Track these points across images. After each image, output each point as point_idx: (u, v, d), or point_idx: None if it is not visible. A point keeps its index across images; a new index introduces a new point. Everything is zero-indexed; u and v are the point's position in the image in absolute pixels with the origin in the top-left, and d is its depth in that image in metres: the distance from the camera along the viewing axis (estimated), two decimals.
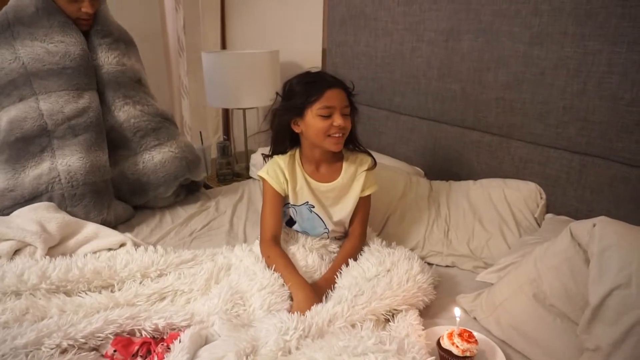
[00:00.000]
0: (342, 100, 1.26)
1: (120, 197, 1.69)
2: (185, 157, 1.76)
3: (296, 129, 1.32)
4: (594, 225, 0.96)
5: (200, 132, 2.59)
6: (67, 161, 1.51)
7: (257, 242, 1.42)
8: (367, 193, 1.38)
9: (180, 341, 0.88)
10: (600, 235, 0.94)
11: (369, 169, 1.38)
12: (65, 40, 1.55)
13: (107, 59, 1.65)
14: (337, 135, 1.26)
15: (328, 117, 1.25)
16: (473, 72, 1.66)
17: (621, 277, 0.88)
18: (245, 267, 1.26)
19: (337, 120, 1.24)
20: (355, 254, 1.32)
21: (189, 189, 1.89)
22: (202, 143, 2.50)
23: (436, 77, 1.78)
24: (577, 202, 1.47)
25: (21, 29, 1.53)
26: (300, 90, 1.27)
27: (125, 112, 1.67)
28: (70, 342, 0.89)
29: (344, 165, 1.37)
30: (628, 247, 0.90)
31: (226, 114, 2.91)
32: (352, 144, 1.38)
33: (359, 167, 1.38)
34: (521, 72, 1.52)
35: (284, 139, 1.37)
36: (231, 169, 2.45)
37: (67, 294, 1.10)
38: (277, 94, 1.35)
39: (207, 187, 2.15)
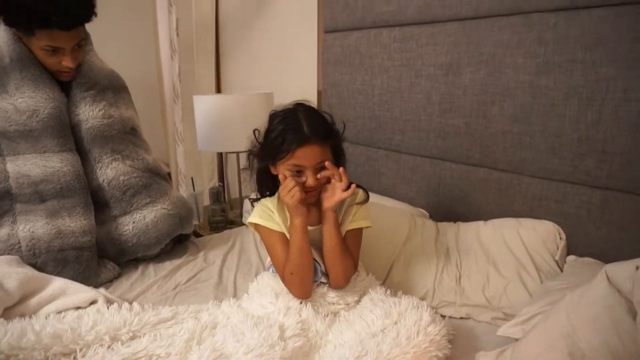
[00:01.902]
0: (316, 157, 1.16)
1: (104, 257, 1.54)
2: (178, 213, 1.64)
3: (274, 172, 1.23)
4: (638, 269, 0.82)
5: (192, 178, 2.48)
6: (30, 227, 1.36)
7: (247, 296, 1.28)
8: (355, 226, 1.26)
9: None
10: None
11: (360, 203, 1.27)
12: (35, 96, 1.40)
13: (92, 113, 1.50)
14: (308, 191, 1.18)
15: (299, 172, 1.17)
16: (477, 105, 1.56)
17: None
18: (232, 326, 1.10)
19: (308, 180, 1.17)
20: (347, 258, 1.22)
21: (177, 239, 1.75)
22: (194, 189, 2.38)
23: (437, 113, 1.69)
24: (602, 242, 1.33)
25: None
26: (272, 140, 1.18)
27: (113, 169, 1.53)
28: None
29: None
30: None
31: (220, 160, 2.82)
32: None
33: (349, 201, 1.28)
34: (528, 103, 1.42)
35: (268, 180, 1.28)
36: (225, 217, 2.31)
37: None
38: (254, 132, 1.26)
39: (198, 235, 2.01)
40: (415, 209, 1.76)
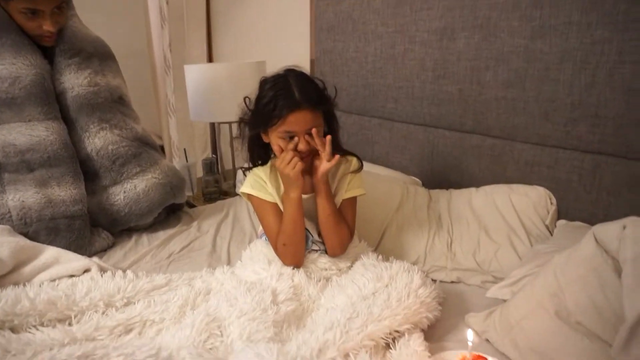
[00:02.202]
0: (308, 122, 1.14)
1: (98, 227, 1.53)
2: (169, 182, 1.62)
3: (266, 140, 1.21)
4: (625, 228, 0.82)
5: (185, 150, 2.46)
6: (20, 197, 1.35)
7: (240, 263, 1.29)
8: (351, 194, 1.27)
9: None
10: (633, 239, 0.80)
11: (354, 171, 1.26)
12: (16, 62, 1.36)
13: (77, 81, 1.47)
14: (300, 158, 1.16)
15: (291, 138, 1.15)
16: (470, 71, 1.54)
17: None
18: (226, 292, 1.11)
19: (300, 144, 1.15)
20: (343, 226, 1.23)
21: (170, 209, 1.75)
22: (187, 160, 2.37)
23: (431, 80, 1.67)
24: (592, 207, 1.34)
25: None
26: (263, 106, 1.16)
27: (101, 138, 1.50)
28: None
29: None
30: None
31: (213, 131, 2.79)
32: (335, 149, 1.26)
33: (343, 170, 1.28)
34: (523, 68, 1.41)
35: (259, 149, 1.27)
36: (218, 187, 2.31)
37: (14, 330, 0.94)
38: (244, 100, 1.24)
39: (191, 206, 2.01)
40: (408, 177, 1.76)
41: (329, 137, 1.16)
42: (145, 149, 1.61)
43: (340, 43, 1.99)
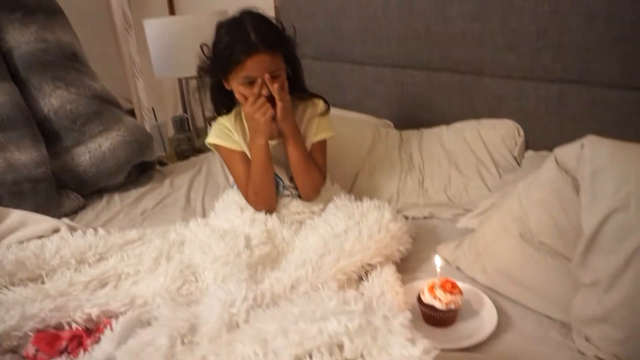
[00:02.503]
0: (267, 66, 1.09)
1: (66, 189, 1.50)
2: (135, 139, 1.58)
3: (228, 87, 1.18)
4: (582, 147, 0.84)
5: (153, 108, 2.39)
6: None
7: (214, 213, 1.28)
8: (320, 137, 1.25)
9: (112, 329, 0.73)
10: (590, 157, 0.82)
11: (321, 114, 1.25)
12: None
13: (23, 37, 1.39)
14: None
15: (251, 83, 1.10)
16: (435, 6, 1.51)
17: (618, 199, 0.77)
18: (200, 241, 1.12)
19: (263, 90, 1.10)
20: (314, 170, 1.22)
21: (141, 168, 1.72)
22: (156, 120, 2.32)
23: (397, 18, 1.63)
24: (557, 135, 1.36)
25: None
26: (220, 52, 1.11)
27: (58, 98, 1.44)
28: None
29: (295, 117, 1.23)
30: (623, 165, 0.78)
31: (182, 88, 2.71)
32: (300, 91, 1.24)
33: (310, 113, 1.26)
34: None
35: (223, 97, 1.23)
36: (191, 145, 2.27)
37: None
38: (201, 47, 1.19)
39: (163, 164, 1.98)
40: (380, 120, 1.75)
41: (277, 85, 1.10)
42: (107, 106, 1.56)
43: None
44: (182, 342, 0.62)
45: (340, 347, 0.61)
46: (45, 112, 1.44)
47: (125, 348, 0.60)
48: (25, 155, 1.35)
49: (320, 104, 1.27)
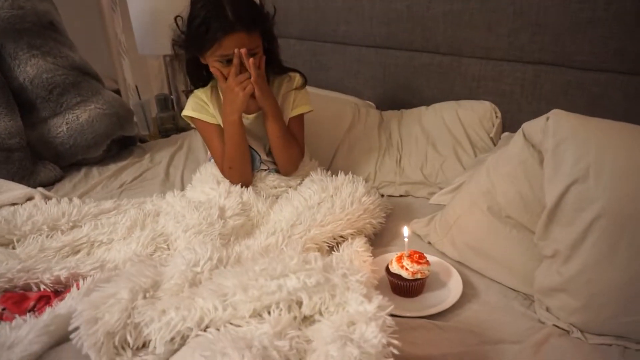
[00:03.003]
0: (244, 45, 1.07)
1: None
2: (115, 112, 1.56)
3: (203, 62, 1.16)
4: (547, 120, 0.86)
5: (136, 86, 2.37)
6: None
7: (191, 186, 1.29)
8: (298, 112, 1.25)
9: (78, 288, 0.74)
10: (554, 129, 0.83)
11: (298, 88, 1.24)
12: None
13: None
14: None
15: (229, 61, 1.09)
16: None
17: (577, 170, 0.79)
18: (175, 212, 1.12)
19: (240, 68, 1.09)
20: (293, 145, 1.23)
21: (121, 144, 1.71)
22: (139, 98, 2.30)
23: None
24: (533, 116, 1.32)
25: None
26: (195, 29, 1.08)
27: (34, 67, 1.42)
28: None
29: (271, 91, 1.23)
30: (584, 137, 0.80)
31: (166, 67, 2.69)
32: (277, 67, 1.23)
33: (286, 87, 1.25)
34: None
35: (198, 71, 1.21)
36: (175, 124, 2.26)
37: None
38: (175, 20, 1.16)
39: (144, 141, 1.97)
40: (362, 101, 1.76)
41: (251, 60, 1.08)
42: (85, 78, 1.54)
43: None
44: (144, 297, 0.63)
45: (300, 304, 0.62)
46: (21, 80, 1.41)
47: (86, 300, 0.61)
48: None
49: (297, 78, 1.26)
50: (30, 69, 1.41)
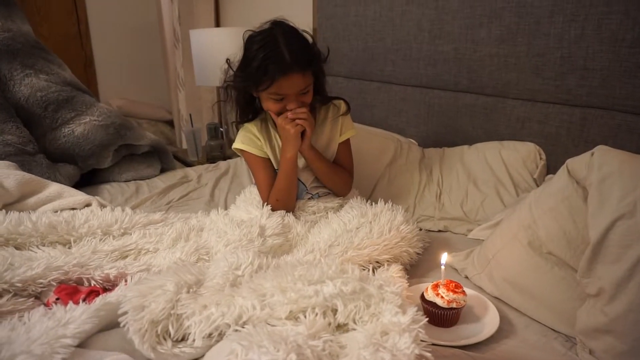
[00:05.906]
0: (299, 85, 1.12)
1: None
2: (112, 122, 1.59)
3: (255, 95, 1.21)
4: (592, 155, 0.86)
5: (190, 115, 2.52)
6: None
7: (234, 205, 1.34)
8: (346, 136, 1.31)
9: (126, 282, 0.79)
10: (599, 164, 0.83)
11: (344, 114, 1.30)
12: None
13: None
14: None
15: (281, 99, 1.15)
16: (465, 29, 1.56)
17: (624, 206, 0.77)
18: (218, 229, 1.17)
19: (291, 105, 1.14)
20: (340, 173, 1.29)
21: (148, 154, 1.75)
22: (192, 125, 2.43)
23: (427, 40, 1.69)
24: None
25: None
26: (253, 69, 1.12)
27: (27, 86, 1.47)
28: (5, 287, 0.80)
29: (318, 119, 1.29)
30: (631, 171, 0.79)
31: (219, 98, 2.85)
32: (322, 96, 1.28)
33: (333, 113, 1.30)
34: (515, 23, 1.42)
35: (249, 105, 1.26)
36: (222, 153, 2.36)
37: (18, 248, 1.01)
38: (227, 61, 1.21)
39: (191, 165, 2.07)
40: (405, 138, 1.79)
41: (303, 108, 1.14)
42: (78, 93, 1.58)
43: (341, 8, 2.02)
44: (188, 292, 0.66)
45: (335, 311, 0.64)
46: (16, 101, 1.48)
47: (135, 288, 0.65)
48: (12, 136, 1.41)
49: (342, 105, 1.31)
50: (24, 88, 1.48)
